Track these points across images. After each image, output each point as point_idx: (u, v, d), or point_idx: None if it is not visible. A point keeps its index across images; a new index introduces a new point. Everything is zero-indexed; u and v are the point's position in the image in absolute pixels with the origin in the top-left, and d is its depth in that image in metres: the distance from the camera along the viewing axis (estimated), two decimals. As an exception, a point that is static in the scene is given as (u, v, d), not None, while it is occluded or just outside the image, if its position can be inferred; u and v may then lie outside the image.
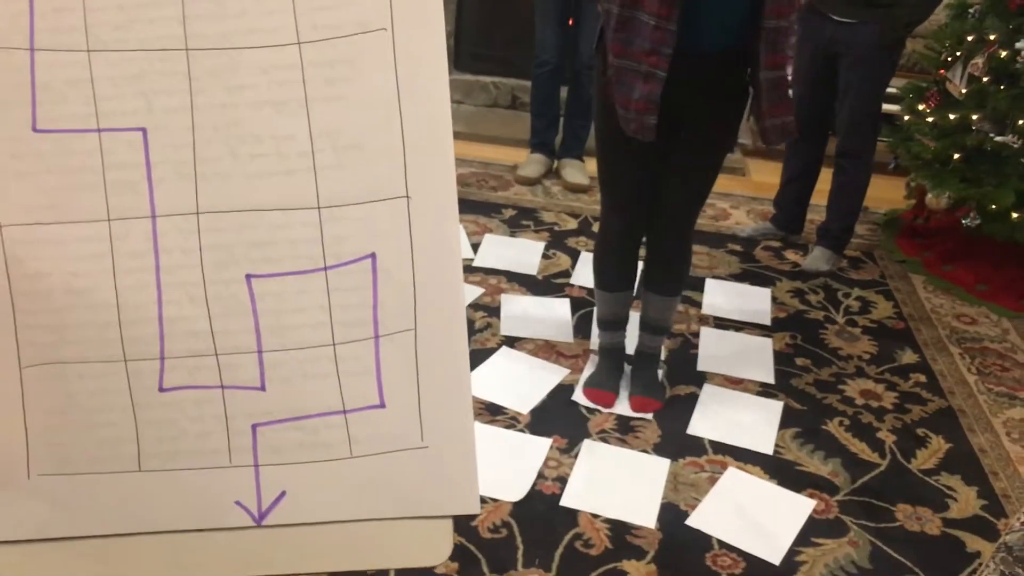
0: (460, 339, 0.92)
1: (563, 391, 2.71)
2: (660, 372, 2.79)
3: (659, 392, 2.72)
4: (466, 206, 3.87)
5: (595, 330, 2.88)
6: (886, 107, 3.57)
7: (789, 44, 2.16)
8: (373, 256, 0.89)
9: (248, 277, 0.90)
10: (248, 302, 0.90)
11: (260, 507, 0.97)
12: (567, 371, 2.81)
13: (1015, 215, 3.34)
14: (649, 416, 2.64)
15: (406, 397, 0.94)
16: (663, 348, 2.84)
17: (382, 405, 0.94)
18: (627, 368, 2.80)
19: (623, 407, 2.67)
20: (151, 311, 0.90)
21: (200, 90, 0.85)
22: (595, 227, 3.80)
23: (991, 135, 3.41)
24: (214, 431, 0.94)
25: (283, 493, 0.97)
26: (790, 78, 2.20)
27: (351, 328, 0.91)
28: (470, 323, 3.01)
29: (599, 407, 2.65)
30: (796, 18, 2.15)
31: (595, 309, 2.77)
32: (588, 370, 2.81)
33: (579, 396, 2.70)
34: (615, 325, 2.73)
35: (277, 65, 0.85)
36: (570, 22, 3.95)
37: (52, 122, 0.85)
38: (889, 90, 3.49)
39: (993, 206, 3.37)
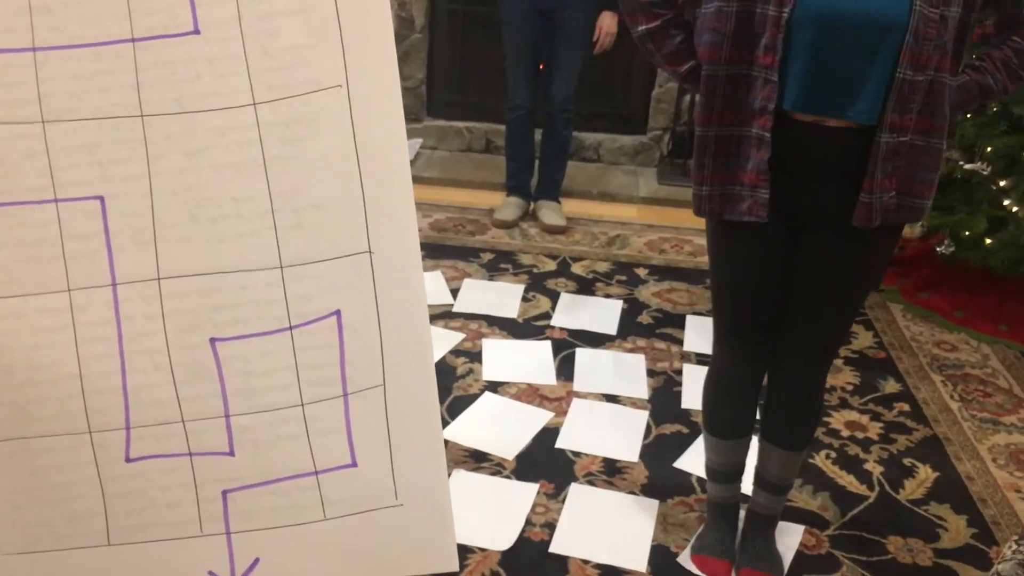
0: (430, 392, 0.91)
1: (548, 435, 2.69)
2: (775, 537, 2.28)
3: (776, 565, 2.22)
4: (444, 251, 3.87)
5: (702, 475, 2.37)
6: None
7: (931, 107, 1.72)
8: (338, 313, 0.88)
9: (212, 341, 0.88)
10: (213, 366, 0.88)
11: (234, 575, 0.95)
12: (551, 414, 2.79)
13: (988, 241, 3.37)
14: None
15: (378, 454, 0.92)
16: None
17: (354, 464, 0.92)
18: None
19: None
20: (115, 381, 0.88)
21: (157, 155, 0.84)
22: (575, 268, 3.80)
23: (961, 163, 3.45)
24: (183, 500, 0.92)
25: (256, 560, 0.95)
26: (934, 149, 1.76)
27: (319, 387, 0.90)
28: (452, 369, 2.99)
29: None
30: (940, 79, 1.71)
31: (704, 456, 2.27)
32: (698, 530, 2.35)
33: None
34: (729, 477, 2.24)
35: (233, 127, 0.84)
36: (541, 67, 3.99)
37: (8, 195, 0.84)
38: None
39: (966, 233, 3.40)
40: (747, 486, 2.28)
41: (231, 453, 0.92)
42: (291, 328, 0.89)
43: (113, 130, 0.84)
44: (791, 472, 2.19)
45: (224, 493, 0.93)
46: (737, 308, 2.02)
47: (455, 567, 0.97)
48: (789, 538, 2.32)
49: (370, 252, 0.88)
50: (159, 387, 0.89)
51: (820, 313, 1.95)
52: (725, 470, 2.23)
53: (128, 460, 0.91)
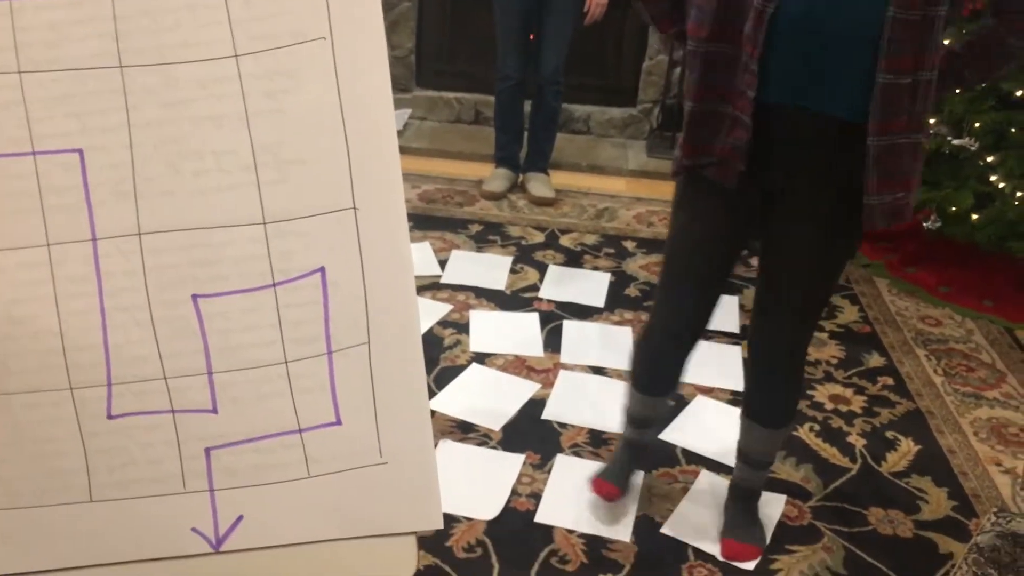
0: (415, 351, 0.90)
1: (534, 406, 2.70)
2: (758, 510, 2.31)
3: (758, 536, 2.25)
4: (432, 222, 3.86)
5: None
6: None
7: (917, 109, 1.69)
8: (322, 270, 0.88)
9: (194, 297, 0.87)
10: (196, 323, 0.88)
11: (217, 533, 0.95)
12: (538, 386, 2.80)
13: (975, 216, 3.38)
14: (750, 566, 2.18)
15: (363, 413, 0.92)
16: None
17: (338, 422, 0.92)
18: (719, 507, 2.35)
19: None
20: (96, 337, 0.87)
21: (136, 107, 0.83)
22: (563, 240, 3.80)
23: (948, 139, 3.45)
24: (166, 457, 0.92)
25: (240, 517, 0.95)
26: (916, 146, 1.74)
27: (303, 345, 0.89)
28: (439, 340, 3.00)
29: (601, 498, 2.31)
30: (932, 76, 1.68)
31: (624, 399, 2.35)
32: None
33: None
34: (641, 423, 2.32)
35: (215, 78, 0.83)
36: (531, 37, 3.96)
37: None
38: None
39: (953, 208, 3.41)
40: (730, 460, 2.30)
41: (214, 411, 0.91)
42: (274, 285, 0.88)
43: (91, 81, 0.83)
44: (773, 448, 2.21)
45: (207, 450, 0.92)
46: (684, 273, 2.03)
47: (439, 525, 0.97)
48: (771, 509, 2.34)
49: (355, 208, 0.87)
50: (140, 344, 0.88)
51: (797, 289, 1.94)
52: (640, 418, 2.30)
53: (110, 417, 0.91)
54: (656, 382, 2.23)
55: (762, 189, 1.84)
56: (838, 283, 1.99)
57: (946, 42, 1.81)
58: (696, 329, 2.10)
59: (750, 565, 2.18)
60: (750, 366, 2.13)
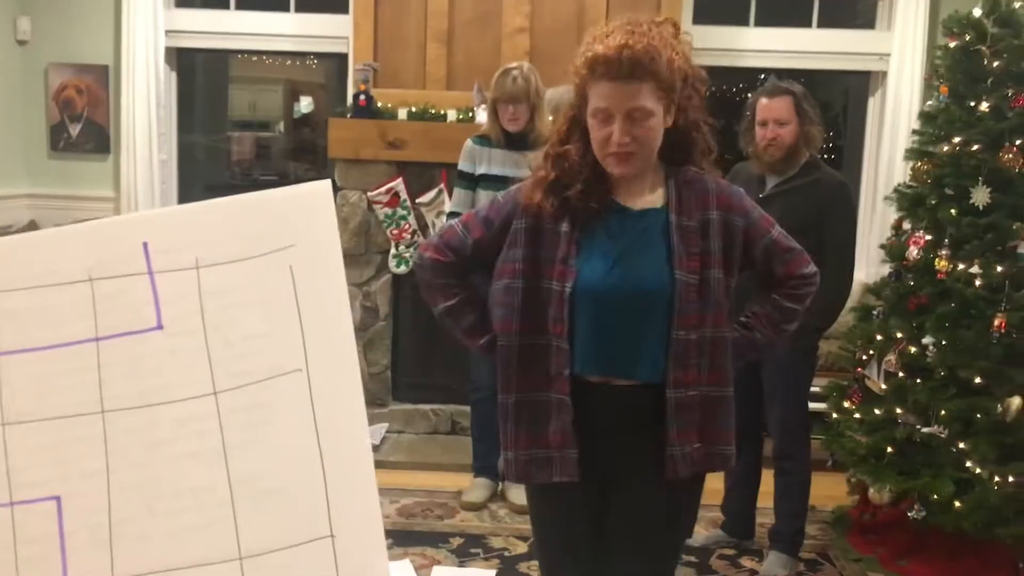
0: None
1: None
2: None
3: None
4: (412, 538, 3.76)
5: None
6: (814, 406, 3.68)
7: (708, 361, 1.86)
8: (300, 606, 0.85)
9: (168, 644, 0.84)
10: None
11: None
12: None
13: (958, 504, 3.34)
14: None
15: None
16: None
17: None
18: None
19: None
20: None
21: (116, 450, 0.85)
22: None
23: (918, 427, 3.49)
24: None
25: None
26: (720, 400, 1.89)
27: None
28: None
29: None
30: (717, 336, 1.87)
31: None
32: None
33: None
34: None
35: (194, 416, 0.85)
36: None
37: None
38: (813, 389, 3.61)
39: (935, 496, 3.38)
40: None
41: None
42: (253, 625, 0.85)
43: (73, 428, 0.85)
44: None
45: None
46: (556, 566, 2.08)
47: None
48: None
49: (332, 536, 0.87)
50: None
51: (634, 566, 1.98)
52: None
53: None
54: None
55: (595, 473, 1.91)
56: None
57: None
58: None
59: None
60: None
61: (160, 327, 0.87)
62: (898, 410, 3.56)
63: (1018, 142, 3.39)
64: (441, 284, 2.00)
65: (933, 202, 3.56)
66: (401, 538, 3.73)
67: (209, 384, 0.87)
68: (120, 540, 0.84)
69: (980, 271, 3.38)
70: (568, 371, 1.85)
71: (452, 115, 4.75)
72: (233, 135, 6.14)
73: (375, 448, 4.59)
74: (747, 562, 3.65)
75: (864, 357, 3.83)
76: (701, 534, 3.87)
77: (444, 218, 4.46)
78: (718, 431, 1.91)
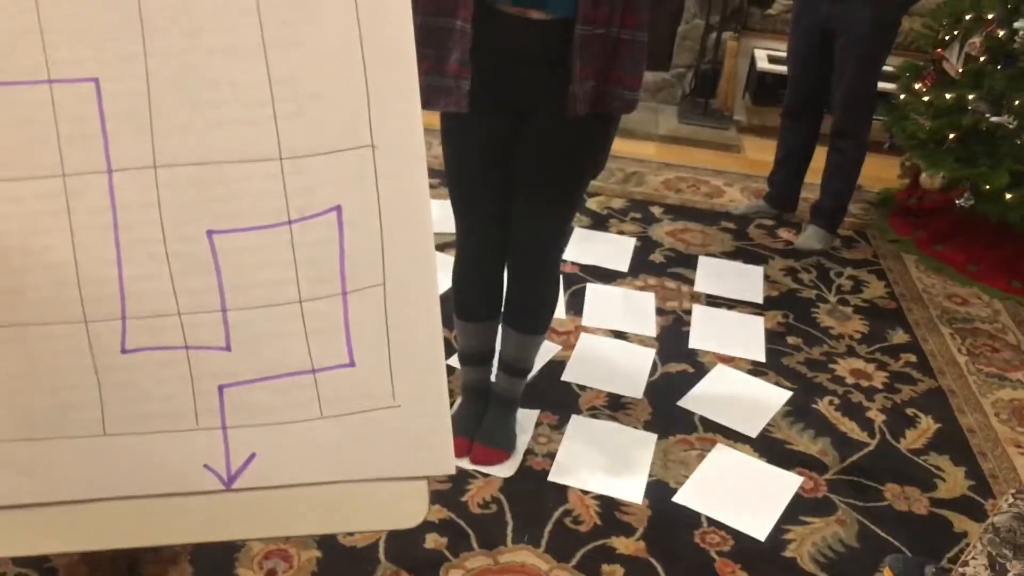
0: (431, 294, 0.89)
1: (555, 367, 2.69)
2: (515, 419, 2.41)
3: (507, 442, 2.34)
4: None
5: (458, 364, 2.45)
6: (882, 86, 3.53)
7: (622, 3, 1.79)
8: (338, 209, 0.86)
9: (210, 233, 0.87)
10: (210, 259, 0.87)
11: (229, 470, 0.95)
12: (559, 347, 2.79)
13: (1009, 196, 3.31)
14: (500, 470, 2.26)
15: (376, 355, 0.91)
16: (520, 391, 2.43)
17: (352, 364, 0.91)
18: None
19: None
20: (111, 270, 0.87)
21: (153, 35, 0.82)
22: (589, 203, 3.77)
23: (987, 115, 3.37)
24: (179, 393, 0.92)
25: (252, 455, 0.95)
26: (631, 44, 1.84)
27: (318, 284, 0.88)
28: (460, 299, 2.98)
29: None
30: None
31: (456, 341, 2.37)
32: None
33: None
34: (478, 360, 2.35)
35: (233, 7, 0.81)
36: None
37: (1, 74, 0.82)
38: (885, 68, 3.46)
39: (987, 186, 3.35)
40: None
41: (228, 348, 0.91)
42: (290, 223, 0.88)
43: (109, 7, 0.82)
44: (526, 355, 2.32)
45: (220, 388, 0.92)
46: (465, 197, 2.11)
47: (451, 470, 0.96)
48: (787, 481, 2.33)
49: (372, 146, 0.86)
50: (155, 278, 0.88)
51: (541, 198, 2.03)
52: (472, 352, 2.34)
53: (124, 351, 0.91)
54: (473, 306, 2.28)
55: (504, 104, 1.91)
56: (590, 176, 2.12)
57: None
58: (499, 249, 2.16)
59: (499, 470, 2.26)
60: (508, 275, 2.22)
61: None
62: (970, 96, 3.42)
63: None
64: None
65: None
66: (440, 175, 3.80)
67: (247, -27, 0.82)
68: (160, 127, 0.84)
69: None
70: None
71: None
72: None
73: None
74: (784, 233, 3.71)
75: (947, 38, 3.61)
76: (742, 203, 3.91)
77: None
78: (622, 73, 1.87)
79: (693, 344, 2.88)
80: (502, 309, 2.29)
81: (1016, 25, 3.29)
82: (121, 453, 0.94)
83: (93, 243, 0.87)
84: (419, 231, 0.88)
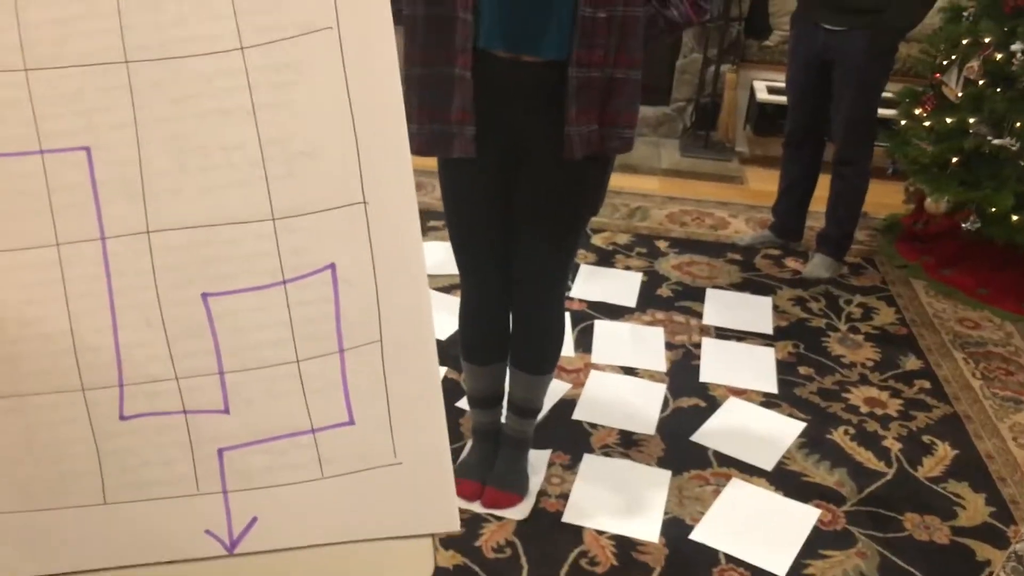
0: (429, 349, 0.89)
1: (565, 406, 2.67)
2: (527, 461, 2.39)
3: (519, 485, 2.32)
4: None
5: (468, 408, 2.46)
6: (882, 112, 3.54)
7: (617, 41, 1.78)
8: (332, 267, 0.86)
9: (204, 296, 0.86)
10: (206, 322, 0.87)
11: (231, 535, 0.94)
12: (568, 386, 2.77)
13: (1015, 218, 3.30)
14: (514, 513, 2.24)
15: (376, 412, 0.90)
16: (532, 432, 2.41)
17: (351, 422, 0.91)
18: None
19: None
20: (107, 337, 0.87)
21: (143, 104, 0.82)
22: (595, 239, 3.77)
23: (988, 138, 3.37)
24: (179, 458, 0.91)
25: (254, 519, 0.93)
26: (625, 83, 1.84)
27: (314, 343, 0.88)
28: (468, 341, 2.97)
29: (462, 499, 2.25)
30: (629, 14, 1.77)
31: (465, 383, 2.37)
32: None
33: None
34: (488, 402, 2.34)
35: (221, 72, 0.82)
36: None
37: None
38: (885, 94, 3.46)
39: (992, 209, 3.33)
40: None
41: (226, 411, 0.90)
42: (284, 282, 0.87)
43: (98, 77, 0.82)
44: (535, 395, 2.30)
45: (220, 451, 0.91)
46: (467, 241, 2.11)
47: (456, 527, 0.95)
48: (804, 514, 2.30)
49: (364, 203, 0.86)
50: (151, 344, 0.88)
51: (541, 235, 2.03)
52: (481, 395, 2.33)
53: (122, 418, 0.90)
54: (480, 349, 2.26)
55: (502, 149, 1.91)
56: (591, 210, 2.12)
57: None
58: (503, 290, 2.16)
59: (512, 512, 2.25)
60: (512, 317, 2.22)
61: None
62: (971, 119, 3.42)
63: None
64: None
65: None
66: (432, 216, 3.81)
67: (235, 38, 0.82)
68: (152, 193, 0.84)
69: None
70: (471, 44, 1.79)
71: None
72: None
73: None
74: (791, 263, 3.70)
75: (945, 62, 3.62)
76: (748, 234, 3.91)
77: None
78: (618, 113, 1.87)
79: (704, 378, 2.86)
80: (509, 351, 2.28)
81: (1013, 48, 3.30)
82: (122, 521, 0.93)
83: (88, 311, 0.86)
84: (414, 285, 0.87)
